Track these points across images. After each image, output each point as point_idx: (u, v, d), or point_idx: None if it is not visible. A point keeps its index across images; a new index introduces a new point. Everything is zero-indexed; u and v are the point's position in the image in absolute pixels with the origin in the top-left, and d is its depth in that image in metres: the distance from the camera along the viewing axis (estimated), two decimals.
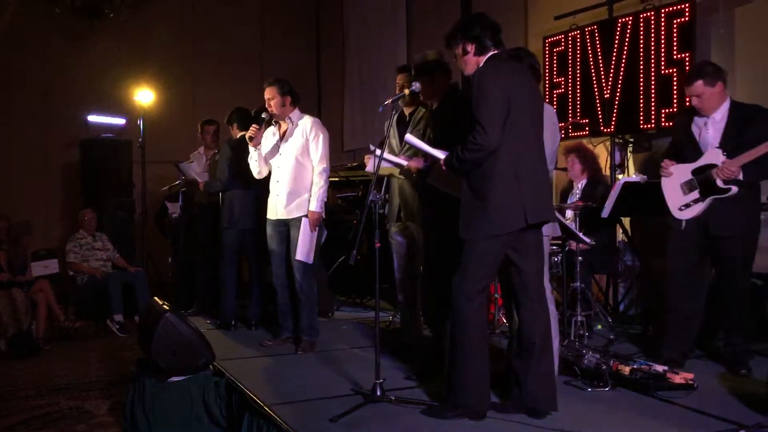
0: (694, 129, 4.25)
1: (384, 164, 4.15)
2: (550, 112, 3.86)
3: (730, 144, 4.03)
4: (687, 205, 4.17)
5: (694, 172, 4.14)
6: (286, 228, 5.01)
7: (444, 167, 3.52)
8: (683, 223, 4.23)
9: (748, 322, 4.27)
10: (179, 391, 4.04)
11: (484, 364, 3.35)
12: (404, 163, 4.34)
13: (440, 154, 3.76)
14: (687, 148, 4.26)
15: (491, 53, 3.43)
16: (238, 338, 5.49)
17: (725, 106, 4.15)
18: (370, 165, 4.50)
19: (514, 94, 3.31)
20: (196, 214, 6.78)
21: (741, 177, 3.95)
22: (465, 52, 3.47)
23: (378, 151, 3.90)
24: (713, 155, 4.06)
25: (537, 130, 3.45)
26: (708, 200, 4.09)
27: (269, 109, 5.00)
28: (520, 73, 3.49)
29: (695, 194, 4.13)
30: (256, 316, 5.91)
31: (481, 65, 3.42)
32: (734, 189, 3.99)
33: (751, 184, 4.09)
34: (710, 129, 4.17)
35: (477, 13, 3.63)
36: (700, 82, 4.13)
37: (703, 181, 4.09)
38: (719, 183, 4.00)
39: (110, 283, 7.27)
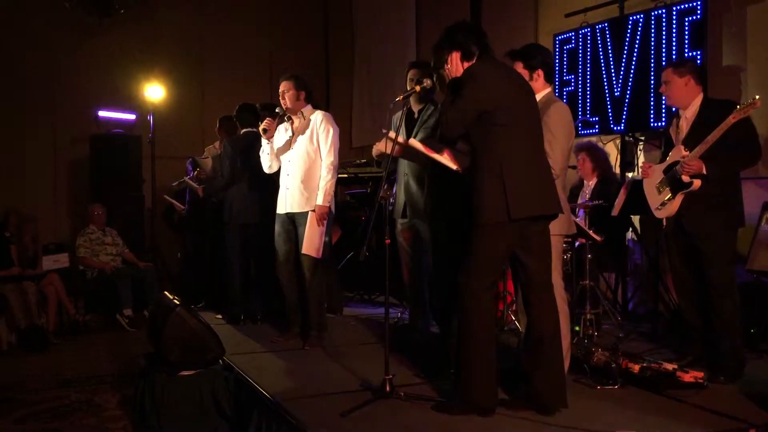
0: (673, 130, 4.29)
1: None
2: (563, 110, 3.86)
3: (696, 139, 3.98)
4: (663, 204, 4.19)
5: (665, 171, 4.18)
6: (293, 226, 5.02)
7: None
8: (664, 222, 4.28)
9: (737, 324, 4.03)
10: (189, 386, 4.06)
11: (491, 360, 3.35)
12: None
13: (443, 160, 3.74)
14: (669, 149, 4.29)
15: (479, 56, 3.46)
16: (247, 333, 5.50)
17: (696, 102, 4.15)
18: (381, 145, 4.01)
19: (504, 94, 3.33)
20: (203, 210, 6.80)
21: (705, 171, 3.92)
22: (452, 61, 3.49)
23: (391, 134, 3.79)
24: (677, 152, 4.09)
25: (531, 128, 3.44)
26: (678, 197, 4.08)
27: (282, 102, 5.03)
28: (510, 73, 3.53)
29: (667, 192, 4.15)
30: (261, 311, 5.92)
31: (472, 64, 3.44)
32: (696, 182, 3.96)
33: (725, 183, 4.02)
34: (684, 127, 4.19)
35: (458, 21, 3.61)
36: (669, 69, 4.23)
37: (671, 178, 4.11)
38: (684, 178, 3.99)
39: (120, 278, 7.32)
